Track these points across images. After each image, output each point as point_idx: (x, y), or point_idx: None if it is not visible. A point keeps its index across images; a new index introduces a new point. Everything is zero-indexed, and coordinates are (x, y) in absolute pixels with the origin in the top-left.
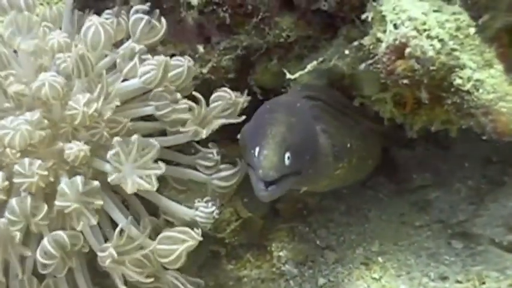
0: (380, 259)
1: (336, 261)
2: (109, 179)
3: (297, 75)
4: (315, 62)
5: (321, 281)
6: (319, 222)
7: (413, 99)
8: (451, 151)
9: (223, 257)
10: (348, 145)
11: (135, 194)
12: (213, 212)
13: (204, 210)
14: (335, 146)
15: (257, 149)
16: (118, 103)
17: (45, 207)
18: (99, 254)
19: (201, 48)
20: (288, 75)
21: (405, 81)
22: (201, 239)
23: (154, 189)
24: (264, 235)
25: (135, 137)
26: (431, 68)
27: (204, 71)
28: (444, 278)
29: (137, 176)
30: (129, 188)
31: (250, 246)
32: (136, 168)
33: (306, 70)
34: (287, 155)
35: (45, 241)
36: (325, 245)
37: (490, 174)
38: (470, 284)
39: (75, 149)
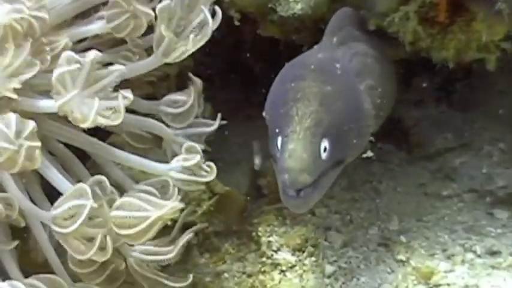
0: (403, 238)
1: (344, 244)
2: (57, 104)
3: None
4: None
5: (329, 268)
6: None
7: (446, 7)
8: (471, 112)
9: (194, 247)
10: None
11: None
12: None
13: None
14: (382, 102)
15: (279, 139)
16: (46, 16)
17: None
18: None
19: None
20: None
21: None
22: (182, 205)
23: (119, 121)
24: (246, 219)
25: (92, 52)
26: None
27: None
28: (494, 253)
29: (95, 107)
30: (90, 119)
31: (228, 234)
32: (93, 94)
33: None
34: (324, 144)
35: None
36: (328, 226)
37: None
38: None
39: None
